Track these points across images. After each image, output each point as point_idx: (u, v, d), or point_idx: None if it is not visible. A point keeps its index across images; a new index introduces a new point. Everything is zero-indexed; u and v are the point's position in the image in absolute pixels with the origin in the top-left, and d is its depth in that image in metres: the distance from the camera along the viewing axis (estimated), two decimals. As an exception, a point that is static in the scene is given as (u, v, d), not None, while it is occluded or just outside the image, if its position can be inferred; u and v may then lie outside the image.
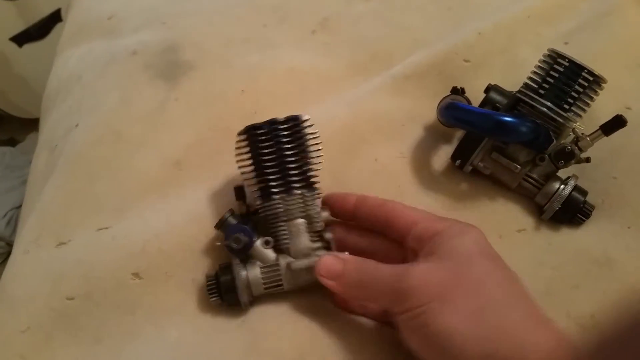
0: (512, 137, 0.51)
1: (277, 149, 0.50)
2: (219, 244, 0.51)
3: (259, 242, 0.51)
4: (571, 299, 0.50)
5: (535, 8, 0.69)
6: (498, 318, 0.40)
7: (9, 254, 0.68)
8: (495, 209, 0.56)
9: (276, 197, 0.50)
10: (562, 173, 0.54)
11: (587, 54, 0.60)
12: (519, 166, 0.53)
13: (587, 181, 0.55)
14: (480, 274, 0.42)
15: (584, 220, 0.54)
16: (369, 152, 0.61)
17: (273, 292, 0.51)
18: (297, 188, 0.50)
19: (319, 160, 0.52)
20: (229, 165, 0.55)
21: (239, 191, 0.54)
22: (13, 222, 1.56)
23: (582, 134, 0.52)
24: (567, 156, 0.52)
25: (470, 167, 0.56)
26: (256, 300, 0.52)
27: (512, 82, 0.56)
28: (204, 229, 0.55)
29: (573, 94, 0.51)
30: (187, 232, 0.56)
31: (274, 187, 0.50)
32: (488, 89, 0.56)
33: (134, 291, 0.53)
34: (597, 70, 0.51)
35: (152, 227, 0.57)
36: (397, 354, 0.48)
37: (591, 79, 0.51)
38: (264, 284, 0.50)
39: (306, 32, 0.75)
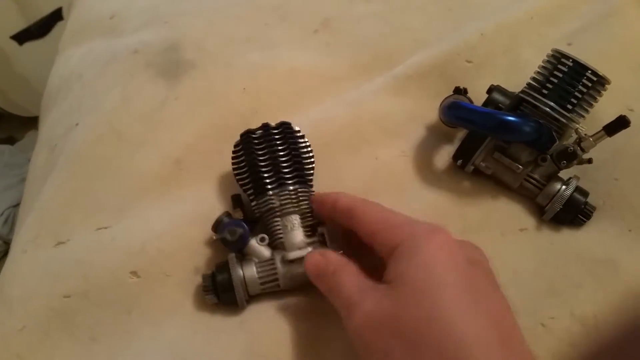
0: (515, 137, 0.51)
1: (270, 150, 0.53)
2: (215, 238, 0.51)
3: (254, 240, 0.51)
4: (574, 298, 0.49)
5: (537, 9, 0.69)
6: None
7: (6, 252, 0.68)
8: (498, 207, 0.56)
9: (270, 192, 0.52)
10: (564, 174, 0.54)
11: (590, 55, 0.59)
12: (520, 166, 0.53)
13: (588, 182, 0.55)
14: (425, 316, 0.36)
15: (584, 222, 0.53)
16: (370, 151, 0.61)
17: (270, 290, 0.51)
18: (290, 184, 0.52)
19: (311, 159, 0.55)
20: (229, 164, 0.56)
21: (236, 199, 0.55)
22: (10, 220, 1.56)
23: (585, 134, 0.52)
24: (570, 157, 0.52)
25: (472, 167, 0.55)
26: (254, 299, 0.52)
27: (515, 83, 0.56)
28: (204, 230, 0.55)
29: (577, 94, 0.51)
30: (187, 233, 0.56)
31: (268, 183, 0.52)
32: (491, 90, 0.56)
33: (132, 290, 0.53)
34: (601, 71, 0.51)
35: (152, 227, 0.57)
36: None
37: (595, 79, 0.51)
38: (260, 280, 0.50)
39: (308, 31, 0.75)
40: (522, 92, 0.54)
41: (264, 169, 0.53)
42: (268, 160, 0.53)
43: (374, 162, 0.60)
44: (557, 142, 0.52)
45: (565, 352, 0.47)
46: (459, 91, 0.58)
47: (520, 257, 0.53)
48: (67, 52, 0.83)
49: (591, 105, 0.52)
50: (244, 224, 0.51)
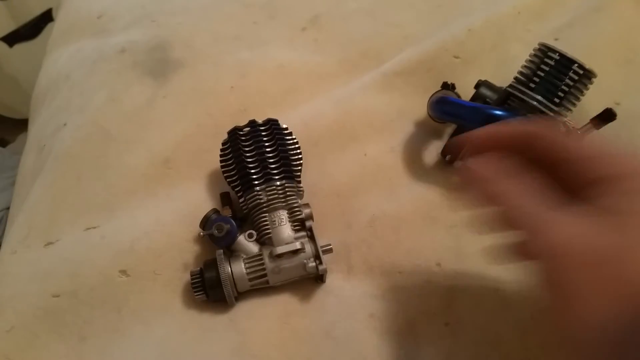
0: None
1: (257, 146, 0.54)
2: (202, 234, 0.51)
3: (242, 236, 0.51)
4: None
5: (525, 4, 0.69)
6: None
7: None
8: (487, 201, 0.56)
9: (257, 188, 0.52)
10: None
11: (577, 49, 0.59)
12: (508, 161, 0.53)
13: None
14: None
15: (574, 215, 0.53)
16: (359, 147, 0.61)
17: (258, 286, 0.51)
18: (277, 179, 0.53)
19: (298, 155, 0.55)
20: (218, 162, 0.56)
21: (225, 197, 0.56)
22: (3, 222, 1.55)
23: (573, 127, 0.52)
24: (557, 150, 0.52)
25: (460, 162, 0.55)
26: (243, 297, 0.52)
27: (503, 78, 0.56)
28: (193, 228, 0.55)
29: (564, 87, 0.51)
30: (175, 231, 0.56)
31: (255, 179, 0.52)
32: (478, 85, 0.56)
33: (121, 289, 0.53)
34: (587, 64, 0.51)
35: (141, 225, 0.57)
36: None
37: (581, 72, 0.51)
38: (249, 276, 0.50)
39: (296, 29, 0.75)
40: (510, 86, 0.54)
41: (251, 165, 0.53)
42: (255, 157, 0.53)
43: (363, 158, 0.60)
44: (545, 135, 0.52)
45: (555, 345, 0.47)
46: (447, 86, 0.58)
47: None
48: (55, 52, 0.82)
49: (578, 99, 0.52)
50: (232, 220, 0.51)
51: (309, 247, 0.50)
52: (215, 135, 0.57)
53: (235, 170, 0.54)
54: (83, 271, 0.54)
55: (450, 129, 0.60)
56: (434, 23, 0.71)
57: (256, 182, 0.52)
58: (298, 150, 0.55)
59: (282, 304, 0.52)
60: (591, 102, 0.54)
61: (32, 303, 0.53)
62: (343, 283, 0.53)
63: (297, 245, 0.50)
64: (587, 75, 0.51)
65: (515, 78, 0.54)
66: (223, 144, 0.56)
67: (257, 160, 0.53)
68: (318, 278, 0.52)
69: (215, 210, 0.53)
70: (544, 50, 0.52)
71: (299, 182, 0.55)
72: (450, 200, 0.56)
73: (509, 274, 0.51)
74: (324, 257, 0.50)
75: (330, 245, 0.51)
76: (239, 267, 0.50)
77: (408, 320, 0.50)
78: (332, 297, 0.52)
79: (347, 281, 0.53)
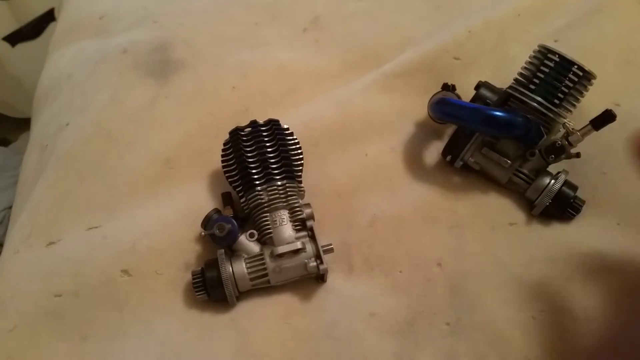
0: (503, 132, 0.51)
1: (258, 147, 0.54)
2: (204, 234, 0.52)
3: (243, 236, 0.52)
4: (564, 292, 0.50)
5: (524, 6, 0.69)
6: None
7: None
8: (488, 202, 0.56)
9: (258, 188, 0.52)
10: (553, 168, 0.54)
11: (577, 51, 0.60)
12: (509, 161, 0.53)
13: (577, 176, 0.55)
14: None
15: (574, 215, 0.54)
16: (360, 147, 0.61)
17: (260, 286, 0.51)
18: (279, 179, 0.53)
19: (299, 155, 0.55)
20: (219, 162, 0.56)
21: (227, 197, 0.56)
22: (6, 222, 1.55)
23: (573, 128, 0.52)
24: (558, 151, 0.52)
25: (461, 163, 0.56)
26: (244, 297, 0.52)
27: (502, 79, 0.56)
28: (194, 228, 0.55)
29: (563, 89, 0.51)
30: (177, 231, 0.56)
31: (256, 179, 0.53)
32: (478, 86, 0.56)
33: (123, 288, 0.53)
34: (587, 66, 0.51)
35: (142, 225, 0.57)
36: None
37: (581, 74, 0.51)
38: (250, 275, 0.50)
39: (297, 30, 0.75)
40: (510, 87, 0.54)
41: (252, 165, 0.53)
42: (256, 157, 0.54)
43: (364, 158, 0.60)
44: (545, 136, 0.52)
45: (556, 344, 0.47)
46: (448, 88, 0.59)
47: (510, 251, 0.53)
48: (57, 53, 0.83)
49: (578, 100, 0.52)
50: (233, 220, 0.51)
51: (309, 247, 0.51)
52: (217, 135, 0.58)
53: (236, 170, 0.54)
54: (85, 271, 0.54)
55: (450, 129, 0.60)
56: (434, 24, 0.72)
57: (257, 182, 0.53)
58: (299, 151, 0.56)
59: (283, 303, 0.52)
60: (591, 103, 0.55)
61: (34, 302, 0.53)
62: (344, 282, 0.53)
63: (298, 244, 0.50)
64: (586, 77, 0.51)
65: (515, 79, 0.54)
66: (224, 144, 0.56)
67: (259, 161, 0.53)
68: (319, 278, 0.52)
69: (216, 210, 0.53)
70: (544, 52, 0.52)
71: (300, 182, 0.55)
72: (451, 201, 0.57)
73: (509, 274, 0.51)
74: (324, 257, 0.50)
75: (331, 245, 0.52)
76: (240, 267, 0.50)
77: (408, 319, 0.50)
78: (333, 297, 0.52)
79: (348, 281, 0.53)
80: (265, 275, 0.50)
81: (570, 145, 0.52)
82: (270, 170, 0.53)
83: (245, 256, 0.51)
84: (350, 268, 0.54)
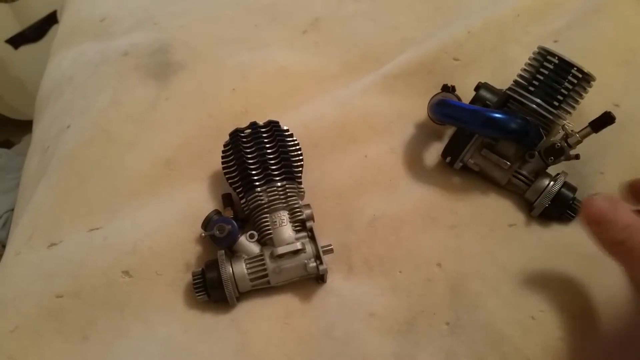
0: (502, 134, 0.51)
1: (258, 148, 0.54)
2: (204, 235, 0.52)
3: (243, 237, 0.52)
4: (564, 292, 0.50)
5: (524, 6, 0.69)
6: None
7: (4, 256, 0.69)
8: (487, 203, 0.56)
9: (258, 189, 0.53)
10: (552, 170, 0.54)
11: (577, 51, 0.60)
12: (508, 162, 0.53)
13: (576, 178, 0.55)
14: None
15: (573, 217, 0.54)
16: (360, 149, 0.61)
17: (260, 287, 0.51)
18: (278, 180, 0.53)
19: (299, 156, 0.56)
20: (219, 164, 0.56)
21: (227, 198, 0.56)
22: (9, 224, 1.56)
23: (572, 130, 0.52)
24: (557, 153, 0.52)
25: (461, 164, 0.56)
26: (244, 297, 0.52)
27: (502, 80, 0.56)
28: (195, 229, 0.55)
29: (563, 91, 0.51)
30: (177, 232, 0.56)
31: (256, 180, 0.53)
32: (478, 87, 0.57)
33: (124, 289, 0.53)
34: (586, 68, 0.51)
35: (143, 226, 0.57)
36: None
37: (580, 76, 0.51)
38: (250, 276, 0.50)
39: (297, 31, 0.75)
40: (509, 89, 0.54)
41: (252, 166, 0.54)
42: (256, 158, 0.54)
43: (364, 159, 0.61)
44: (545, 138, 0.52)
45: (555, 344, 0.47)
46: (447, 89, 0.59)
47: (509, 252, 0.53)
48: (58, 55, 0.83)
49: (577, 102, 0.52)
50: (233, 221, 0.51)
51: (309, 248, 0.51)
52: (217, 137, 0.58)
53: (236, 172, 0.54)
54: (86, 272, 0.54)
55: (450, 130, 0.60)
56: (433, 25, 0.72)
57: (257, 183, 0.53)
58: (299, 152, 0.56)
59: (283, 304, 0.52)
60: (591, 104, 0.55)
61: (36, 303, 0.53)
62: (344, 283, 0.53)
63: (298, 245, 0.50)
64: (586, 79, 0.51)
65: (515, 81, 0.54)
66: (224, 146, 0.56)
67: (258, 162, 0.54)
68: (319, 278, 0.52)
69: (216, 211, 0.54)
70: (543, 54, 0.52)
71: (300, 183, 0.55)
72: (451, 202, 0.57)
73: (509, 275, 0.51)
74: (324, 258, 0.50)
75: (330, 245, 0.52)
76: (241, 268, 0.50)
77: (408, 319, 0.50)
78: (333, 297, 0.52)
79: (348, 281, 0.53)
80: (265, 275, 0.50)
81: (570, 147, 0.52)
82: (270, 171, 0.53)
83: (246, 257, 0.51)
84: (350, 268, 0.54)
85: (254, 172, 0.53)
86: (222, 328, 0.51)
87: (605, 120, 0.51)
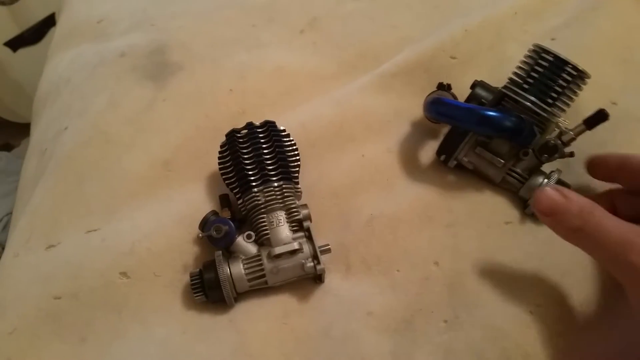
0: (496, 131, 0.52)
1: (254, 148, 0.54)
2: (201, 235, 0.52)
3: (240, 237, 0.52)
4: (560, 287, 0.50)
5: (521, 4, 0.70)
6: None
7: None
8: (483, 200, 0.56)
9: (255, 189, 0.53)
10: (546, 167, 0.54)
11: (574, 49, 0.60)
12: (502, 160, 0.53)
13: (570, 175, 0.55)
14: None
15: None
16: (357, 148, 0.61)
17: (257, 287, 0.51)
18: (275, 180, 0.53)
19: (296, 156, 0.56)
20: (216, 165, 0.56)
21: (224, 199, 0.56)
22: (9, 226, 1.56)
23: (566, 128, 0.52)
24: (551, 150, 0.52)
25: (455, 162, 0.56)
26: (242, 298, 0.52)
27: (499, 78, 0.56)
28: (192, 230, 0.55)
29: (557, 88, 0.51)
30: (175, 233, 0.56)
31: (253, 180, 0.53)
32: (474, 85, 0.57)
33: (122, 290, 0.53)
34: (582, 65, 0.51)
35: (141, 227, 0.57)
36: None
37: (575, 73, 0.51)
38: (247, 276, 0.50)
39: (295, 31, 0.75)
40: (504, 87, 0.54)
41: (248, 167, 0.54)
42: (252, 158, 0.54)
43: (361, 159, 0.61)
44: (539, 136, 0.52)
45: (552, 338, 0.47)
46: (443, 87, 0.59)
47: (506, 249, 0.53)
48: (56, 57, 0.83)
49: (572, 100, 0.52)
50: (230, 222, 0.51)
51: (307, 248, 0.51)
52: (214, 137, 0.58)
53: (233, 172, 0.54)
54: (84, 273, 0.55)
55: (446, 129, 0.60)
56: (431, 24, 0.72)
57: (254, 184, 0.53)
58: (295, 152, 0.56)
59: (280, 304, 0.52)
60: (588, 101, 0.55)
61: (34, 305, 0.53)
62: (341, 282, 0.53)
63: (295, 245, 0.50)
64: (580, 77, 0.51)
65: (510, 79, 0.54)
66: (221, 147, 0.56)
67: (255, 162, 0.54)
68: (316, 278, 0.52)
69: (214, 212, 0.54)
70: (538, 52, 0.52)
71: (297, 183, 0.55)
72: (447, 200, 0.57)
73: (505, 272, 0.51)
74: (322, 257, 0.50)
75: (328, 245, 0.52)
76: (238, 268, 0.50)
77: (406, 317, 0.50)
78: (331, 297, 0.52)
79: (346, 280, 0.53)
80: (263, 276, 0.50)
81: (564, 144, 0.52)
82: (266, 171, 0.53)
83: (243, 257, 0.51)
84: (348, 268, 0.54)
85: (250, 173, 0.53)
86: (220, 328, 0.51)
87: (599, 117, 0.51)
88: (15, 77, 1.80)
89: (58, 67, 0.80)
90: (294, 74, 0.70)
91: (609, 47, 0.65)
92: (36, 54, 1.76)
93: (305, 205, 0.54)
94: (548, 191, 0.43)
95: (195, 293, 0.50)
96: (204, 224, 0.53)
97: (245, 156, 0.54)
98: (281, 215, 0.52)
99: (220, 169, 0.56)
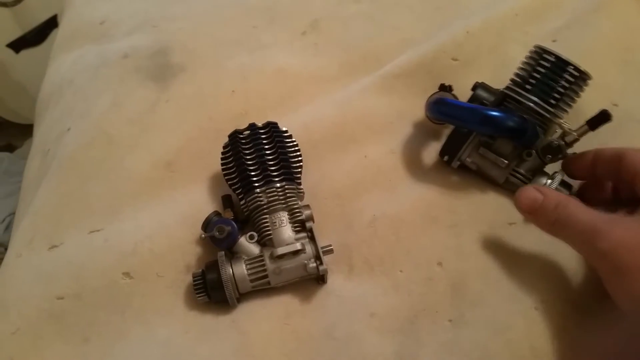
0: (499, 131, 0.52)
1: (257, 149, 0.55)
2: (204, 236, 0.52)
3: (243, 238, 0.52)
4: (566, 284, 0.50)
5: (522, 6, 0.70)
6: None
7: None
8: (487, 201, 0.56)
9: (257, 190, 0.53)
10: (549, 168, 0.54)
11: (575, 51, 0.60)
12: (506, 161, 0.53)
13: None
14: None
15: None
16: (359, 149, 0.62)
17: (259, 287, 0.51)
18: (277, 181, 0.53)
19: (298, 157, 0.56)
20: (219, 165, 0.56)
21: (226, 199, 0.56)
22: (12, 227, 1.56)
23: (569, 128, 0.52)
24: (554, 151, 0.52)
25: (458, 163, 0.56)
26: (244, 298, 0.52)
27: (501, 80, 0.56)
28: (195, 230, 0.55)
29: (559, 89, 0.51)
30: (178, 233, 0.57)
31: (255, 181, 0.53)
32: (475, 87, 0.57)
33: (124, 291, 0.54)
34: (583, 66, 0.51)
35: (143, 228, 0.57)
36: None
37: (577, 74, 0.51)
38: (250, 277, 0.51)
39: (296, 33, 0.75)
40: (506, 88, 0.54)
41: (251, 167, 0.54)
42: (255, 159, 0.54)
43: (363, 160, 0.61)
44: (542, 136, 0.52)
45: (558, 333, 0.47)
46: (444, 88, 0.59)
47: (510, 250, 0.53)
48: (59, 58, 0.83)
49: (574, 100, 0.52)
50: (233, 222, 0.51)
51: (309, 248, 0.51)
52: (217, 138, 0.58)
53: (236, 173, 0.55)
54: (87, 273, 0.55)
55: (448, 130, 0.60)
56: (433, 26, 0.72)
57: (256, 184, 0.53)
58: (298, 153, 0.56)
59: (283, 304, 0.52)
60: (589, 103, 0.55)
61: (37, 305, 0.53)
62: (344, 283, 0.53)
63: (298, 246, 0.50)
64: (582, 77, 0.51)
65: (512, 80, 0.54)
66: (224, 147, 0.57)
67: (257, 163, 0.54)
68: (319, 279, 0.52)
69: (216, 213, 0.54)
70: (540, 53, 0.52)
71: (299, 183, 0.55)
72: (450, 200, 0.57)
73: (510, 271, 0.51)
74: (324, 258, 0.50)
75: (330, 245, 0.52)
76: (241, 269, 0.50)
77: (410, 317, 0.50)
78: (333, 298, 0.52)
79: (348, 281, 0.53)
80: (266, 276, 0.51)
81: (567, 145, 0.52)
82: (269, 172, 0.53)
83: (246, 258, 0.51)
84: (351, 269, 0.54)
85: (253, 174, 0.53)
86: (222, 329, 0.51)
87: (602, 118, 0.51)
88: (17, 78, 1.81)
89: (61, 68, 0.80)
90: (295, 76, 0.70)
91: (609, 49, 0.66)
92: (39, 55, 1.77)
93: (307, 206, 0.54)
94: (527, 190, 0.48)
95: (197, 293, 0.50)
96: (207, 225, 0.53)
97: (248, 157, 0.54)
98: (284, 216, 0.52)
99: (222, 169, 0.56)
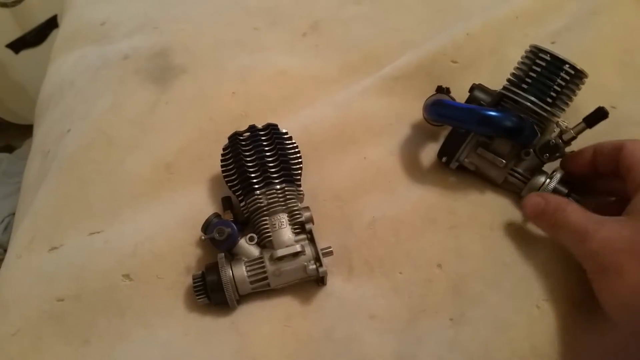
0: (497, 131, 0.52)
1: (257, 151, 0.55)
2: (204, 238, 0.52)
3: (243, 239, 0.52)
4: (567, 282, 0.50)
5: (523, 8, 0.70)
6: None
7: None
8: (486, 201, 0.57)
9: (257, 192, 0.53)
10: (548, 167, 0.54)
11: (574, 53, 0.60)
12: (504, 161, 0.53)
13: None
14: None
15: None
16: (359, 151, 0.62)
17: (260, 289, 0.51)
18: (277, 183, 0.53)
19: (298, 159, 0.56)
20: (219, 167, 0.56)
21: (226, 201, 0.56)
22: (10, 228, 1.56)
23: (566, 127, 0.52)
24: (552, 150, 0.52)
25: (457, 164, 0.56)
26: (244, 300, 0.52)
27: (500, 82, 0.56)
28: (195, 232, 0.55)
29: (556, 88, 0.52)
30: (178, 235, 0.57)
31: (255, 183, 0.53)
32: (472, 88, 0.57)
33: (124, 292, 0.54)
34: (579, 64, 0.51)
35: (143, 230, 0.58)
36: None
37: (573, 72, 0.51)
38: (250, 279, 0.51)
39: (297, 34, 0.76)
40: (503, 88, 0.54)
41: (251, 169, 0.54)
42: (255, 161, 0.54)
43: (363, 161, 0.61)
44: (540, 135, 0.52)
45: (560, 332, 0.47)
46: (442, 90, 0.59)
47: (510, 250, 0.53)
48: (59, 59, 0.83)
49: (571, 99, 0.53)
50: (232, 224, 0.51)
51: (309, 250, 0.51)
52: (217, 140, 0.58)
53: (235, 175, 0.55)
54: (87, 275, 0.55)
55: (447, 131, 0.60)
56: (434, 28, 0.72)
57: (256, 186, 0.53)
58: (298, 154, 0.56)
59: (283, 306, 0.52)
60: (588, 104, 0.55)
61: (37, 307, 0.53)
62: (344, 285, 0.53)
63: (298, 247, 0.50)
64: (578, 76, 0.52)
65: (508, 80, 0.54)
66: (224, 149, 0.57)
67: (257, 165, 0.54)
68: (319, 280, 0.53)
69: (216, 214, 0.54)
70: (535, 52, 0.53)
71: (299, 185, 0.55)
72: (449, 202, 0.57)
73: (510, 271, 0.51)
74: (324, 260, 0.51)
75: (330, 247, 0.52)
76: (240, 270, 0.51)
77: (410, 318, 0.50)
78: (333, 299, 0.52)
79: (348, 283, 0.53)
80: (265, 278, 0.51)
81: (565, 143, 0.52)
82: (269, 174, 0.53)
83: (245, 260, 0.51)
84: (350, 270, 0.54)
85: (252, 175, 0.53)
86: (222, 331, 0.51)
87: (598, 115, 0.51)
88: (17, 78, 1.81)
89: (61, 69, 0.80)
90: (296, 77, 0.70)
91: (609, 51, 0.66)
92: (38, 56, 1.77)
93: (307, 208, 0.54)
94: (531, 197, 0.51)
95: (197, 295, 0.50)
96: (207, 227, 0.53)
97: (248, 159, 0.54)
98: (283, 218, 0.52)
99: (222, 171, 0.56)
